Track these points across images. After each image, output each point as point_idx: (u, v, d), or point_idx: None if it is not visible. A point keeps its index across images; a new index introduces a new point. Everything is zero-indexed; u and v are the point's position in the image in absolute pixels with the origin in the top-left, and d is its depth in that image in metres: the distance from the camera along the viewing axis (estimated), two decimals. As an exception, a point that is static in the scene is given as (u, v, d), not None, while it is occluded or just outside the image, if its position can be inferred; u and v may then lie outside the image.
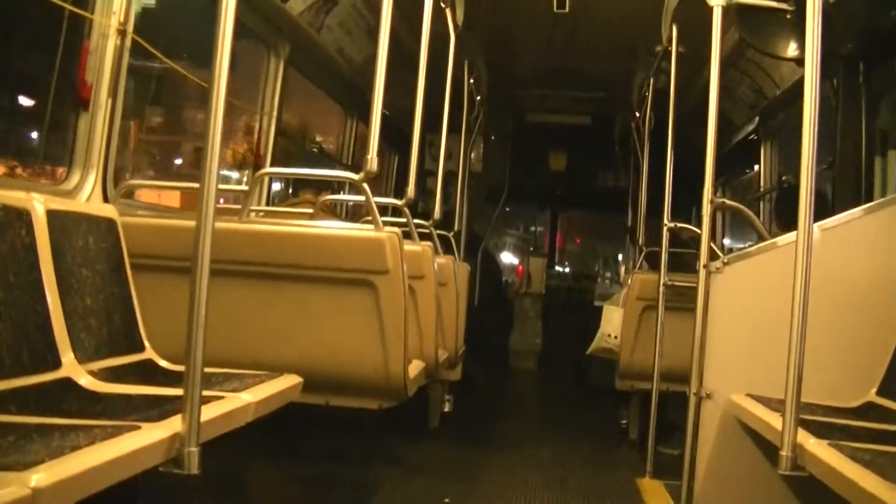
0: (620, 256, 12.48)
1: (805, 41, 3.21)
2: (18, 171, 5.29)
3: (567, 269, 18.97)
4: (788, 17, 4.68)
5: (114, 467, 2.23)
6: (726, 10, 4.29)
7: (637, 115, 8.85)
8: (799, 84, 3.24)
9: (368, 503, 5.13)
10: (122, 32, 4.46)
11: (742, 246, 9.72)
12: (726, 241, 10.91)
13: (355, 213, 8.11)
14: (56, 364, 3.18)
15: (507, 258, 20.98)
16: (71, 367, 3.23)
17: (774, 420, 3.24)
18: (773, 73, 7.59)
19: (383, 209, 5.60)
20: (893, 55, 5.91)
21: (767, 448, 3.56)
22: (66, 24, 4.39)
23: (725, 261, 4.29)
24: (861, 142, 6.17)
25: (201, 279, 2.54)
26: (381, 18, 4.30)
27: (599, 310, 7.80)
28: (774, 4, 4.59)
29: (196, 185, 2.61)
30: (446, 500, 5.16)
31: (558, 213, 16.36)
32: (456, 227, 8.22)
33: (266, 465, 5.29)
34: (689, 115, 6.05)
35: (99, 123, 4.40)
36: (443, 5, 6.33)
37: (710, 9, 4.28)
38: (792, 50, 5.29)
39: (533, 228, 19.66)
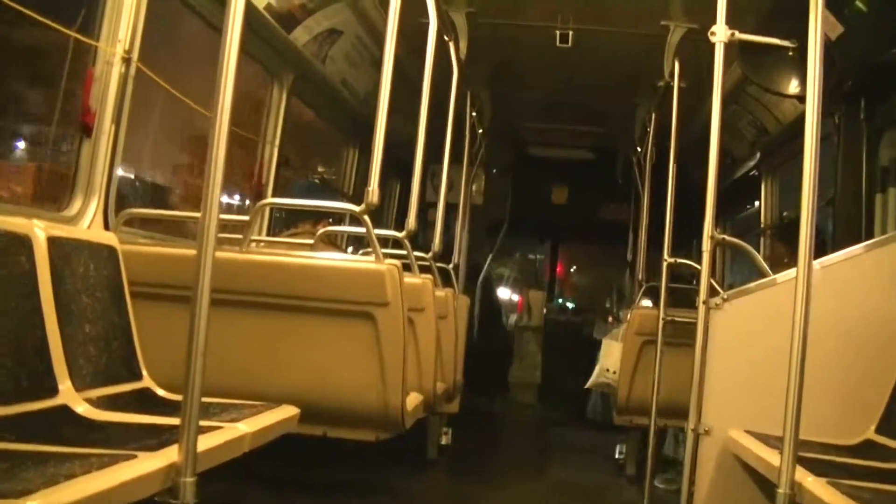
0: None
1: (807, 78, 3.23)
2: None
3: (570, 305, 18.88)
4: (791, 54, 4.69)
5: (109, 496, 2.22)
6: (728, 47, 4.30)
7: (639, 149, 8.88)
8: (800, 120, 3.25)
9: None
10: (126, 60, 4.48)
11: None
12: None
13: (355, 244, 8.12)
14: (53, 391, 3.17)
15: (507, 290, 20.91)
16: (68, 395, 3.23)
17: (772, 457, 3.23)
18: (775, 110, 7.62)
19: (383, 240, 5.59)
20: (894, 93, 5.93)
21: (765, 485, 3.54)
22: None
23: (725, 297, 4.29)
24: (862, 179, 6.19)
25: (201, 309, 2.54)
26: (385, 50, 4.32)
27: (599, 343, 7.80)
28: (777, 41, 4.60)
29: (198, 214, 2.61)
30: None
31: (559, 246, 16.37)
32: (456, 260, 8.22)
33: (264, 496, 5.27)
34: (691, 149, 6.06)
35: (102, 150, 4.41)
36: (446, 38, 6.36)
37: (713, 45, 4.29)
38: (794, 87, 5.31)
39: (532, 256, 19.47)
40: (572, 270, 22.20)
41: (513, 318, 14.15)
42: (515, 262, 19.99)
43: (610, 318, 13.54)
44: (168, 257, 4.32)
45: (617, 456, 7.56)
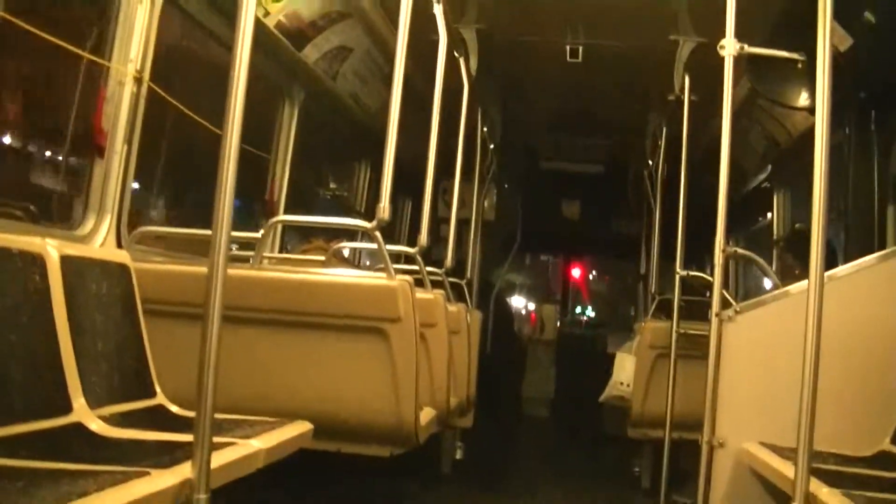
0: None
1: (816, 90, 3.24)
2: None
3: (590, 314, 18.80)
4: (800, 66, 4.69)
5: (122, 513, 2.23)
6: (738, 60, 4.31)
7: (650, 162, 8.87)
8: (811, 132, 3.25)
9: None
10: (138, 80, 4.50)
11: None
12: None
13: (370, 260, 8.14)
14: (67, 409, 3.18)
15: (521, 298, 20.81)
16: (82, 412, 3.23)
17: (787, 469, 3.22)
18: (786, 122, 7.61)
19: (396, 256, 5.60)
20: (905, 104, 5.93)
21: (780, 497, 3.53)
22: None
23: (738, 309, 4.28)
24: (874, 190, 6.18)
25: (213, 326, 2.55)
26: (395, 67, 4.34)
27: (612, 357, 7.77)
28: (786, 54, 4.60)
29: (210, 231, 2.62)
30: None
31: (571, 261, 16.34)
32: (468, 275, 8.22)
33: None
34: (702, 162, 6.06)
35: (114, 170, 4.43)
36: (456, 54, 6.38)
37: (722, 58, 4.30)
38: (803, 99, 5.32)
39: (545, 258, 19.30)
40: (591, 277, 22.14)
41: (528, 329, 14.14)
42: (526, 267, 19.87)
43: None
44: (180, 275, 4.34)
45: (633, 469, 7.54)
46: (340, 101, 7.68)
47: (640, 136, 9.79)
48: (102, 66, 4.44)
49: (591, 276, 22.23)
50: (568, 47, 7.52)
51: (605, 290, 23.48)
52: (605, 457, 8.89)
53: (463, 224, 8.70)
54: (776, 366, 4.02)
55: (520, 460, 9.26)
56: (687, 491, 5.85)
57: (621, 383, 7.24)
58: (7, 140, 4.78)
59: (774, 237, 8.93)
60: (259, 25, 2.74)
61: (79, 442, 3.06)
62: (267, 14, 5.67)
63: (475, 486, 7.13)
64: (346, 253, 6.88)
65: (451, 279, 6.73)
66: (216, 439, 2.71)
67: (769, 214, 9.28)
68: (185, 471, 2.52)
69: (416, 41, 4.47)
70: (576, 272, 17.80)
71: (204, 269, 2.61)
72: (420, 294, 4.67)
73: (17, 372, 2.95)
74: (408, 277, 4.30)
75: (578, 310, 20.07)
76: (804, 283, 3.37)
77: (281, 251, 6.92)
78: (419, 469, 6.60)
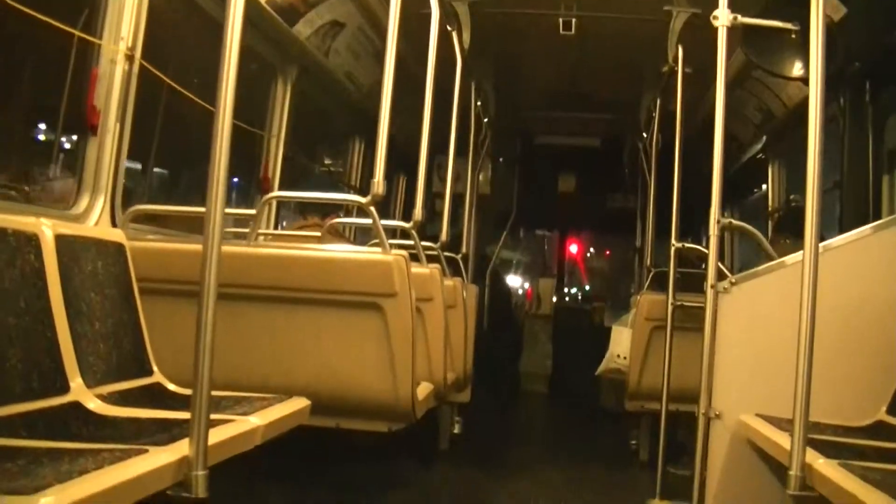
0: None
1: (809, 61, 3.23)
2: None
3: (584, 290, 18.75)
4: (794, 36, 4.68)
5: (121, 491, 2.23)
6: (731, 31, 4.29)
7: (645, 135, 8.85)
8: (805, 103, 3.24)
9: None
10: (130, 58, 4.48)
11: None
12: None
13: (364, 236, 8.12)
14: (65, 388, 3.18)
15: (517, 277, 20.75)
16: (79, 392, 3.23)
17: (783, 440, 3.23)
18: (781, 93, 7.60)
19: (391, 232, 5.59)
20: (899, 75, 5.92)
21: (777, 468, 3.54)
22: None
23: (733, 280, 4.28)
24: (868, 160, 6.17)
25: (209, 303, 2.55)
26: (388, 42, 4.32)
27: (609, 331, 7.78)
28: (779, 24, 4.58)
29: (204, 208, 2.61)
30: None
31: (567, 235, 16.32)
32: (464, 250, 8.21)
33: (275, 489, 5.28)
34: (697, 135, 6.06)
35: (107, 148, 4.41)
36: (449, 28, 6.35)
37: (716, 29, 4.28)
38: (797, 69, 5.29)
39: (541, 232, 19.14)
40: (590, 253, 22.05)
41: (525, 303, 14.13)
42: (521, 241, 19.76)
43: None
44: (175, 252, 4.33)
45: (630, 442, 7.56)
46: (333, 77, 7.66)
47: (635, 109, 9.77)
48: (94, 44, 4.42)
49: (589, 253, 22.16)
50: (561, 20, 7.49)
51: (605, 266, 23.40)
52: (602, 430, 8.93)
53: (458, 199, 8.70)
54: (772, 337, 4.02)
55: (518, 435, 9.28)
56: (684, 463, 5.88)
57: (618, 356, 7.25)
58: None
59: (769, 208, 8.93)
60: (251, 1, 2.72)
61: (77, 421, 3.07)
62: (259, -11, 5.66)
63: (473, 461, 7.15)
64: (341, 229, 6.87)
65: (446, 254, 6.72)
66: (213, 416, 2.70)
67: (764, 186, 9.27)
68: (182, 448, 2.52)
69: (408, 15, 4.45)
70: (573, 248, 17.74)
71: (199, 247, 2.60)
72: (416, 269, 4.67)
73: (13, 352, 2.95)
74: (403, 252, 4.30)
75: (574, 290, 20.03)
76: (799, 254, 3.37)
77: (276, 228, 6.92)
78: (417, 444, 6.62)
